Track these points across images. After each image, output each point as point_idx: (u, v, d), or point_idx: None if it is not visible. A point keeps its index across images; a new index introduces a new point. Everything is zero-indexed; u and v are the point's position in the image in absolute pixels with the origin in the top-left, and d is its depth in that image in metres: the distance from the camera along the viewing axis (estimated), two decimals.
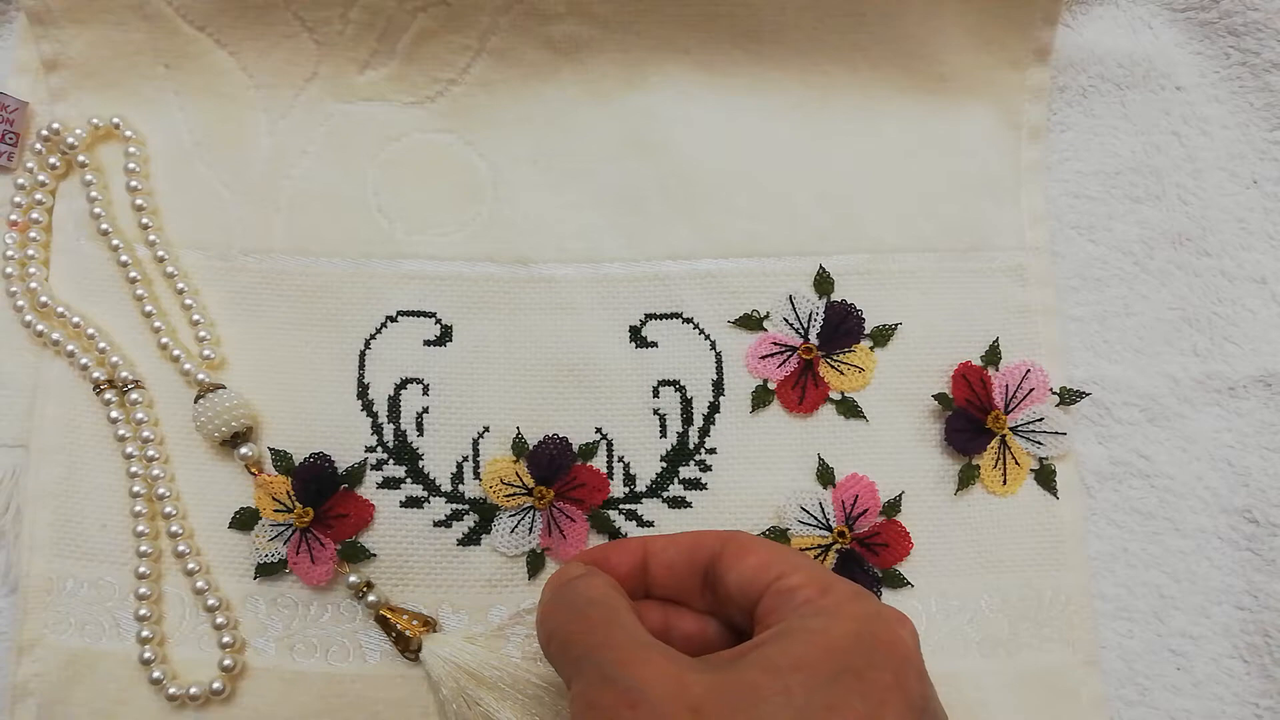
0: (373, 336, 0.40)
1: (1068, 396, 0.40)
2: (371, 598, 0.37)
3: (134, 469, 0.38)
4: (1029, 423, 0.39)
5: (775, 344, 0.40)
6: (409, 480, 0.38)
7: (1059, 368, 0.40)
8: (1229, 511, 0.40)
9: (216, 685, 0.36)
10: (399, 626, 0.36)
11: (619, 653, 0.27)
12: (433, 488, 0.38)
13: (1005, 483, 0.39)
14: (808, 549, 0.38)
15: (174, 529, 0.38)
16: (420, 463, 0.39)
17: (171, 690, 0.36)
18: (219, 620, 0.37)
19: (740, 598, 0.30)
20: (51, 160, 0.41)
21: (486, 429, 0.39)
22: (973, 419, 0.39)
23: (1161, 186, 0.43)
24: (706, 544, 0.31)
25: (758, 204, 0.41)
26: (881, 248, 0.41)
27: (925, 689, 0.27)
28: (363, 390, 0.39)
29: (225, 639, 0.37)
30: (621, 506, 0.38)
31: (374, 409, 0.39)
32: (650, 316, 0.40)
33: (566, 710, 0.35)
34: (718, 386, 0.40)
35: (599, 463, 0.39)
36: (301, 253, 0.41)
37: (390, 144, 0.42)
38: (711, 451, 0.39)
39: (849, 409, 0.39)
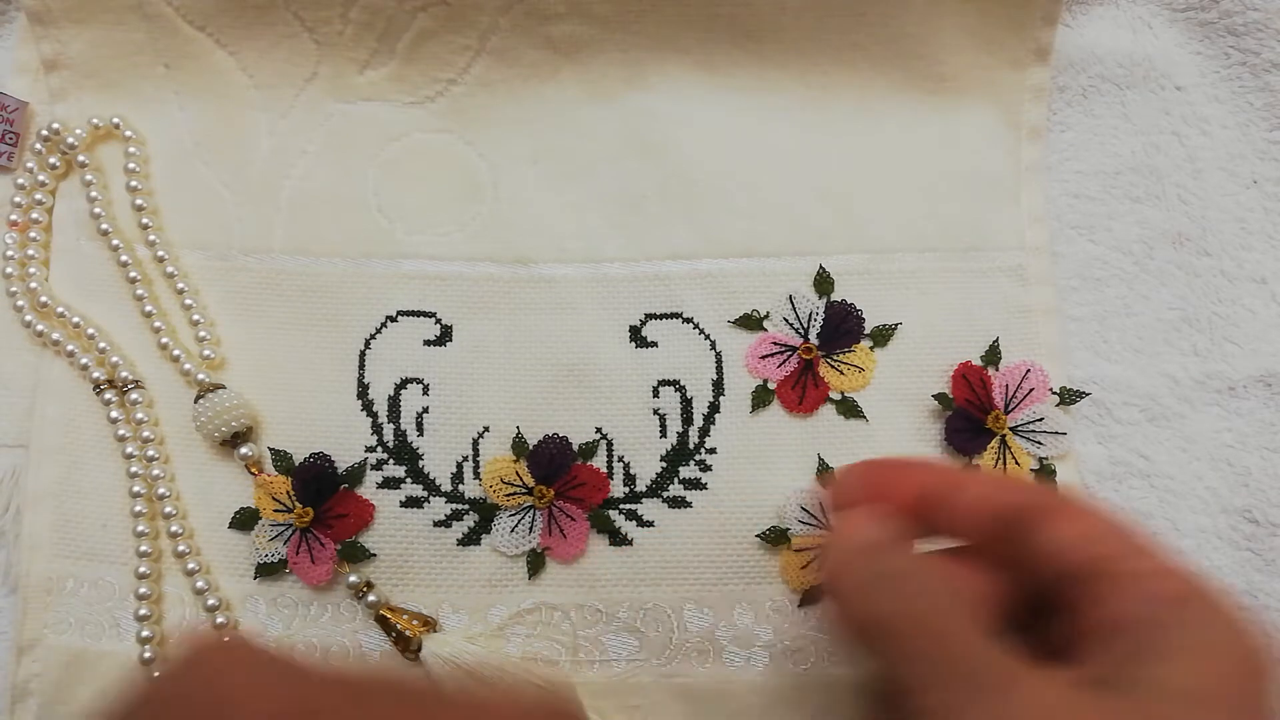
0: (373, 336, 0.40)
1: (1068, 396, 0.40)
2: (371, 598, 0.37)
3: (134, 469, 0.38)
4: (1029, 423, 0.39)
5: (775, 344, 0.40)
6: (409, 480, 0.38)
7: (1059, 368, 0.40)
8: (1229, 511, 0.40)
9: None
10: (399, 626, 0.36)
11: (985, 669, 0.23)
12: (433, 487, 0.38)
13: None
14: (807, 549, 0.38)
15: (174, 529, 0.38)
16: (420, 463, 0.39)
17: None
18: (219, 620, 0.37)
19: (1053, 565, 0.26)
20: (51, 160, 0.41)
21: (486, 429, 0.39)
22: (973, 419, 0.39)
23: (1161, 186, 0.43)
24: (1018, 492, 0.27)
25: (758, 204, 0.41)
26: (881, 248, 0.41)
27: None
28: (363, 390, 0.39)
29: (225, 639, 0.37)
30: (621, 506, 0.38)
31: (374, 409, 0.39)
32: (650, 316, 0.40)
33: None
34: (718, 386, 0.40)
35: (599, 462, 0.39)
36: (301, 253, 0.41)
37: (390, 144, 0.42)
38: (711, 451, 0.39)
39: (849, 409, 0.39)
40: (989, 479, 0.28)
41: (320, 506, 0.38)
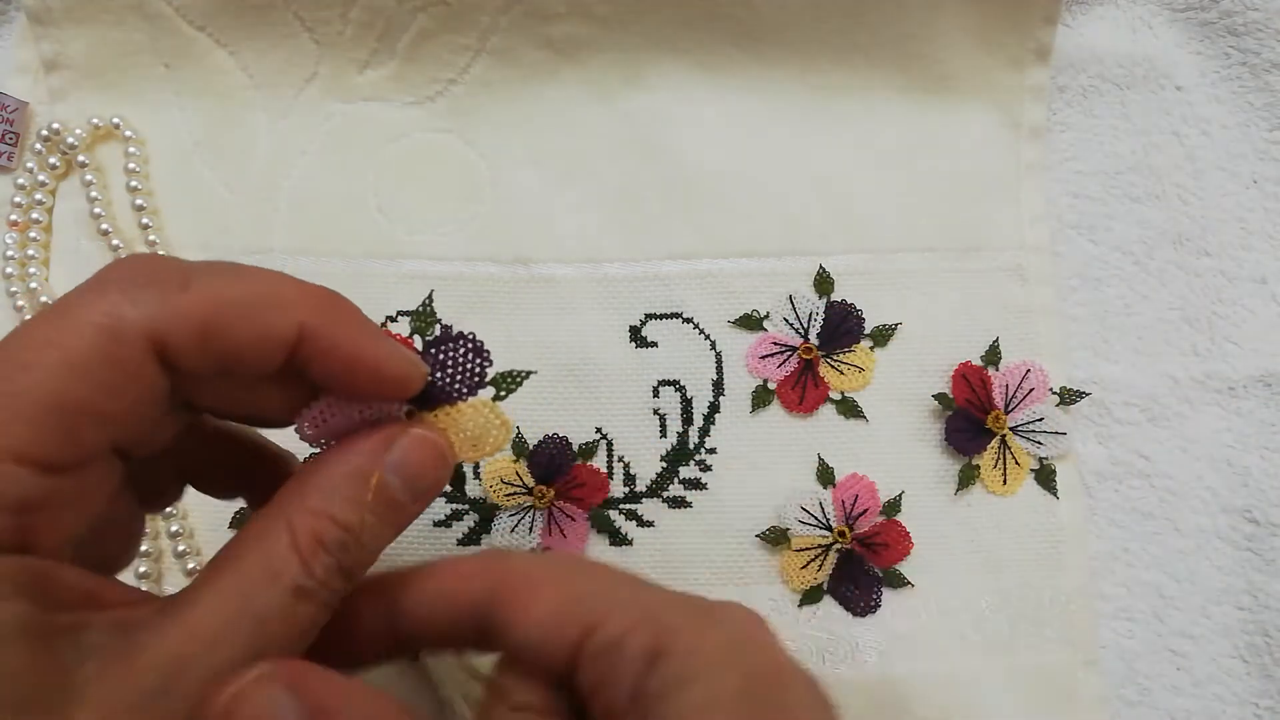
0: None
1: (1068, 396, 0.40)
2: None
3: None
4: (1029, 423, 0.39)
5: (775, 344, 0.40)
6: None
7: (1059, 368, 0.40)
8: (1229, 511, 0.40)
9: None
10: None
11: None
12: None
13: (1005, 483, 0.39)
14: (807, 549, 0.38)
15: (174, 529, 0.37)
16: None
17: None
18: None
19: (540, 660, 0.22)
20: (51, 160, 0.41)
21: None
22: (973, 419, 0.39)
23: (1161, 186, 0.43)
24: (470, 586, 0.23)
25: (758, 204, 0.41)
26: (881, 248, 0.41)
27: (811, 686, 0.22)
28: None
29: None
30: (621, 506, 0.38)
31: None
32: (650, 316, 0.40)
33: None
34: (718, 386, 0.40)
35: (599, 462, 0.39)
36: (301, 253, 0.41)
37: (390, 144, 0.42)
38: (711, 451, 0.39)
39: (849, 409, 0.39)
40: (452, 567, 0.24)
41: None
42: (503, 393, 0.29)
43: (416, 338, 0.26)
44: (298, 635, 0.22)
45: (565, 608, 0.22)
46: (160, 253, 0.40)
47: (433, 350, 0.26)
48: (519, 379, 0.30)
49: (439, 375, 0.25)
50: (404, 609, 0.24)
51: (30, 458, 0.20)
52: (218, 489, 0.28)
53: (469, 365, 0.27)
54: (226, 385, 0.23)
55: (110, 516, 0.23)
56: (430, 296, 0.27)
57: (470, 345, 0.27)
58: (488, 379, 0.27)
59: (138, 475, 0.24)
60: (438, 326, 0.28)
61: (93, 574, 0.21)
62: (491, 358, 0.27)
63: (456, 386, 0.26)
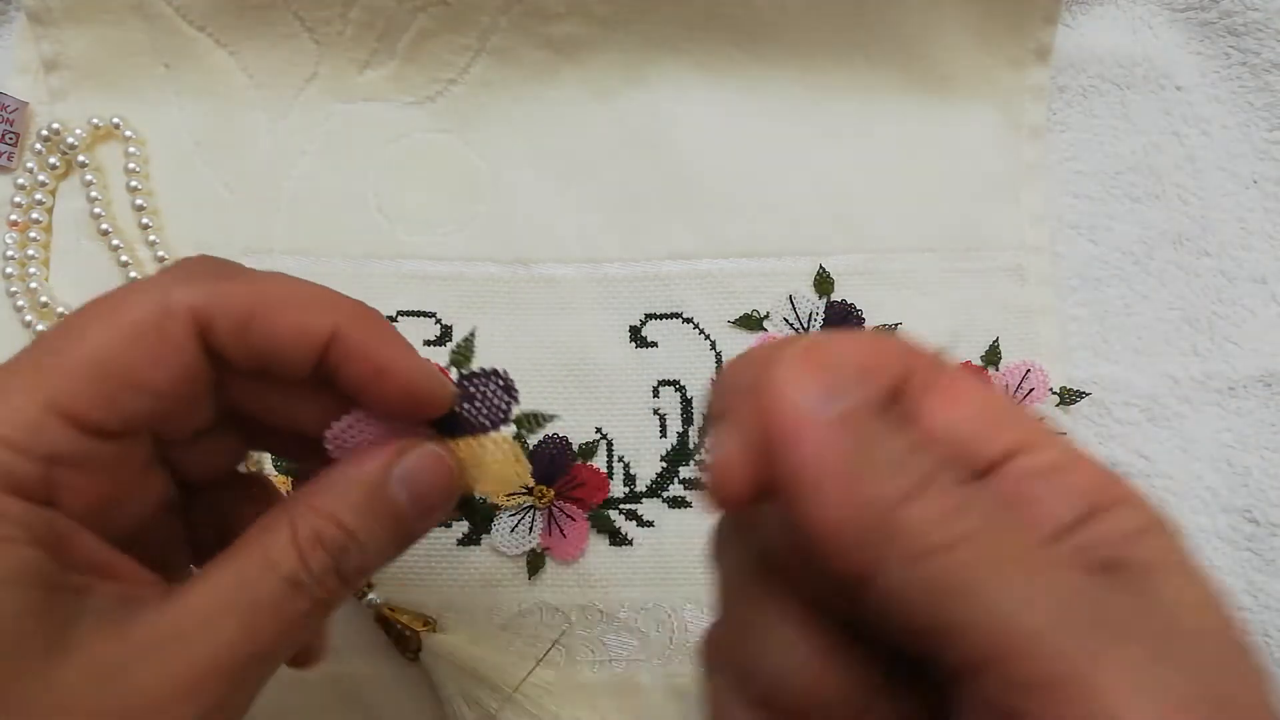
0: None
1: (1068, 396, 0.40)
2: (371, 598, 0.37)
3: None
4: None
5: None
6: None
7: (1059, 368, 0.40)
8: (1229, 511, 0.40)
9: None
10: (399, 626, 0.36)
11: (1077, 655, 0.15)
12: None
13: None
14: None
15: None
16: None
17: None
18: None
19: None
20: (51, 160, 0.41)
21: None
22: None
23: (1161, 186, 0.43)
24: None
25: (758, 204, 0.41)
26: (881, 248, 0.41)
27: None
28: None
29: None
30: (621, 506, 0.38)
31: None
32: (650, 316, 0.40)
33: (567, 713, 0.35)
34: None
35: (599, 462, 0.39)
36: (302, 253, 0.41)
37: (390, 144, 0.42)
38: None
39: None
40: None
41: None
42: (524, 431, 0.29)
43: (453, 369, 0.27)
44: (288, 628, 0.22)
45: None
46: (167, 255, 0.40)
47: (465, 383, 0.26)
48: (543, 421, 0.30)
49: (466, 406, 0.26)
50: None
51: (70, 413, 0.21)
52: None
53: (497, 400, 0.27)
54: (262, 389, 0.24)
55: (144, 501, 0.24)
56: (472, 333, 0.28)
57: (501, 382, 0.27)
58: (512, 416, 0.27)
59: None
60: (475, 363, 0.30)
61: (109, 546, 0.22)
62: (519, 396, 0.27)
63: (482, 419, 0.27)
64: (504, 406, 0.27)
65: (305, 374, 0.23)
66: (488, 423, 0.27)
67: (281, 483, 0.38)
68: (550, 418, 0.31)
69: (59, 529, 0.21)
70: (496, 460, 0.26)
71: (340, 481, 0.23)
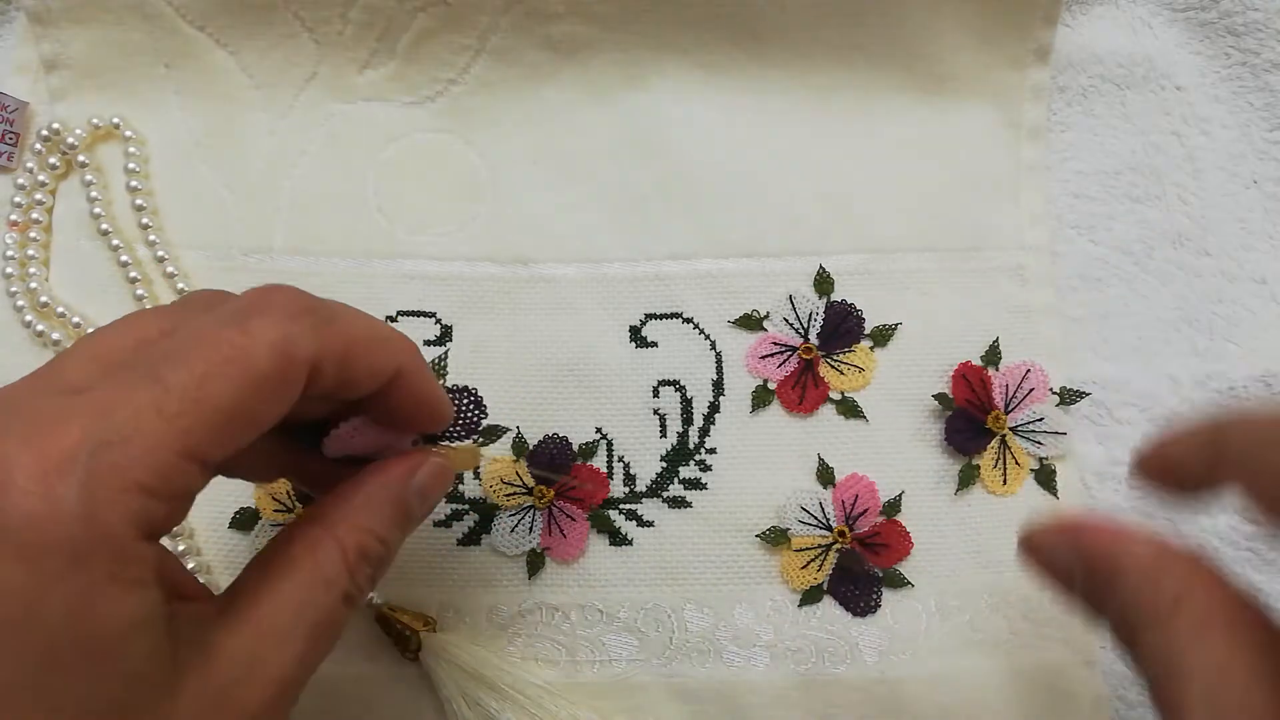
0: None
1: (1068, 396, 0.40)
2: (371, 597, 0.37)
3: None
4: (1029, 423, 0.39)
5: (775, 344, 0.40)
6: None
7: (1059, 368, 0.40)
8: (1229, 511, 0.40)
9: None
10: (399, 626, 0.36)
11: None
12: None
13: (1005, 483, 0.39)
14: (807, 549, 0.38)
15: (174, 529, 0.38)
16: None
17: None
18: None
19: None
20: (51, 160, 0.41)
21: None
22: (973, 419, 0.39)
23: (1161, 186, 0.43)
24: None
25: (758, 204, 0.41)
26: (881, 248, 0.41)
27: None
28: None
29: None
30: (621, 506, 0.38)
31: None
32: (650, 316, 0.40)
33: (567, 713, 0.35)
34: (718, 386, 0.40)
35: (599, 462, 0.39)
36: (301, 253, 0.41)
37: (390, 144, 0.42)
38: (711, 451, 0.39)
39: (849, 409, 0.39)
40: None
41: None
42: (485, 441, 0.37)
43: None
44: (338, 632, 0.26)
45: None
46: (167, 255, 0.40)
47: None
48: (499, 434, 0.38)
49: None
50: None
51: (201, 458, 0.22)
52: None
53: (469, 414, 0.34)
54: (302, 401, 0.26)
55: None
56: (445, 354, 0.34)
57: (473, 398, 0.35)
58: (480, 428, 0.35)
59: None
60: (447, 379, 0.38)
61: (179, 562, 0.24)
62: (488, 411, 0.36)
63: (457, 429, 0.34)
64: (474, 419, 0.34)
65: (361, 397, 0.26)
66: (463, 433, 0.34)
67: (280, 483, 0.38)
68: (505, 430, 0.38)
69: (165, 561, 0.23)
70: (463, 460, 0.31)
71: (376, 497, 0.27)
